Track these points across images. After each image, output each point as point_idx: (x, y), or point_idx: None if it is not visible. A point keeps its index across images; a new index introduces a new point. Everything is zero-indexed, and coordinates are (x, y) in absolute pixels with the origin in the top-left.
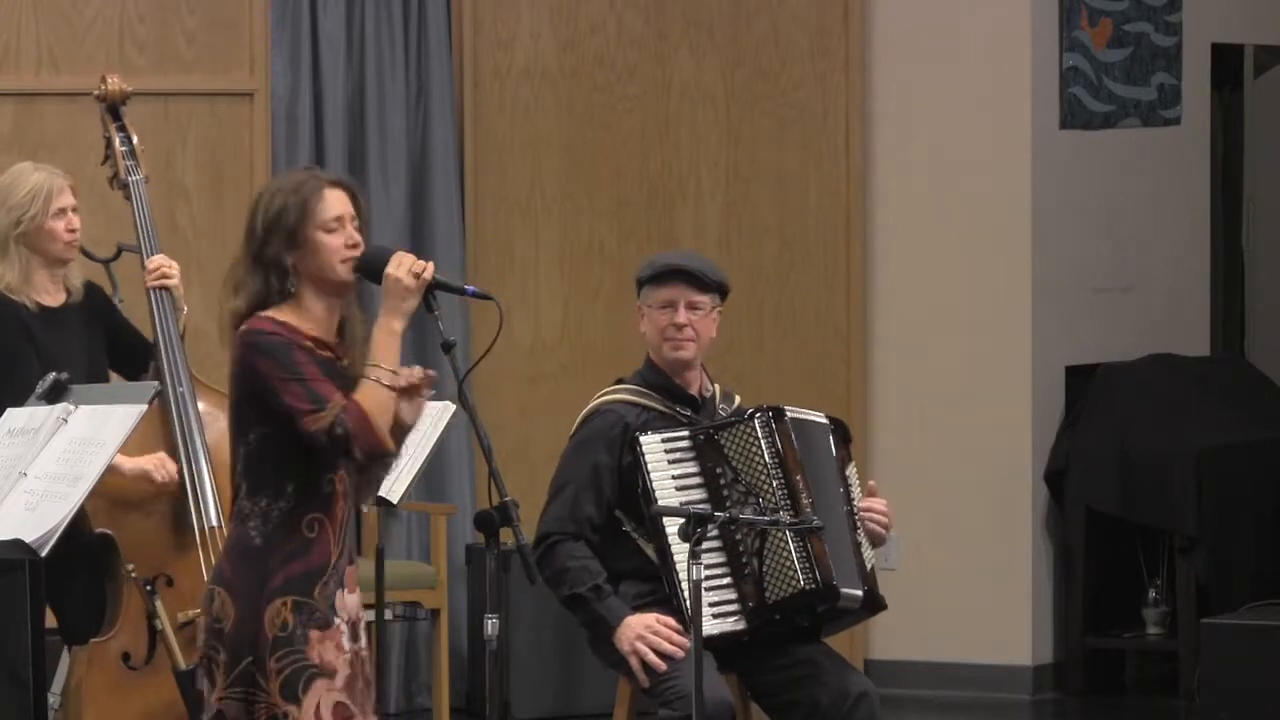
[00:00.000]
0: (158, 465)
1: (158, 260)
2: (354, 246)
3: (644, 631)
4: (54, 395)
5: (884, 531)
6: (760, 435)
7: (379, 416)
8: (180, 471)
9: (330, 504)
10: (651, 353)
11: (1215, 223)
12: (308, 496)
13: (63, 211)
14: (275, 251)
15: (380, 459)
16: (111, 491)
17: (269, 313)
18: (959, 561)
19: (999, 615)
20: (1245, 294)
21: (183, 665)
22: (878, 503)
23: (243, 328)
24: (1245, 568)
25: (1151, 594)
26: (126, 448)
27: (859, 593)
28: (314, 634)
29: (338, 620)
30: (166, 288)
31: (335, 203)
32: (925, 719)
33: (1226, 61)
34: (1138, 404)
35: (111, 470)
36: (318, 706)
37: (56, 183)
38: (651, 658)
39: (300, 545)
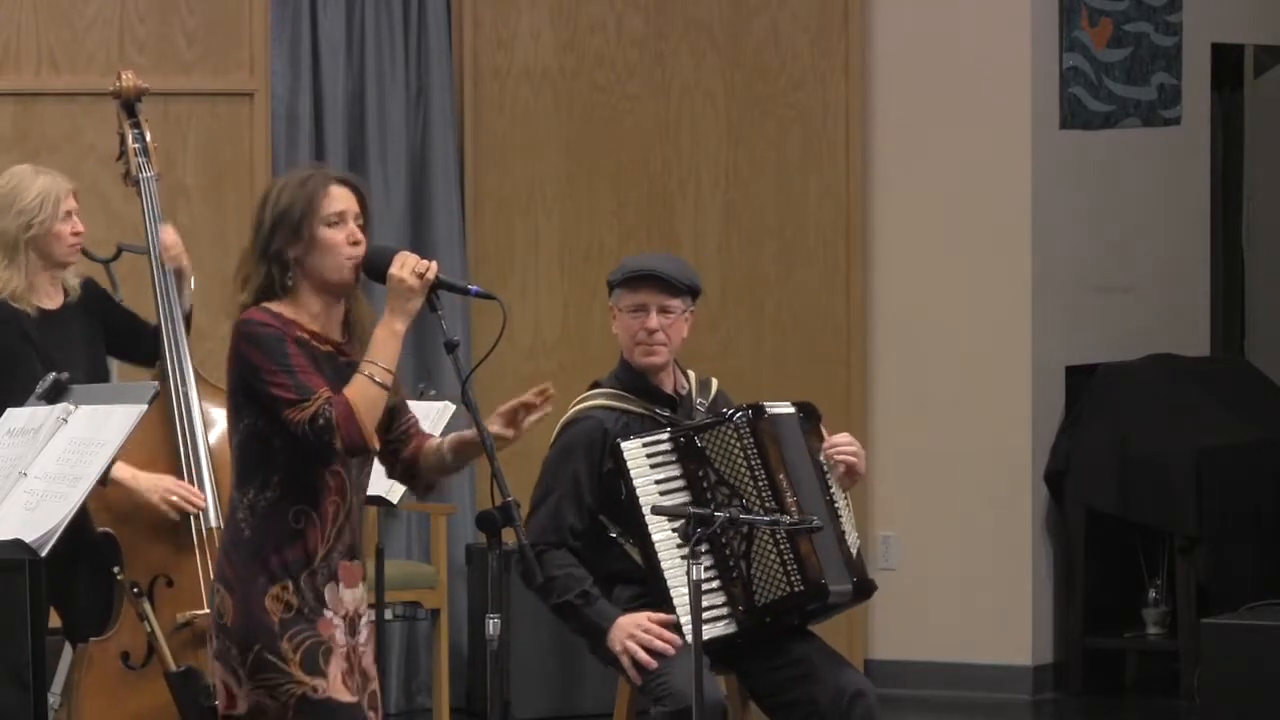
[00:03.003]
0: (164, 494)
1: (173, 237)
2: (356, 244)
3: (634, 630)
4: (54, 395)
5: (856, 460)
6: (739, 436)
7: (366, 412)
8: (190, 480)
9: (318, 498)
10: (625, 355)
11: (1215, 223)
12: (293, 489)
13: (68, 215)
14: (279, 245)
15: (362, 454)
16: (120, 505)
17: (267, 304)
18: (959, 561)
19: (999, 615)
20: (1245, 294)
21: (173, 667)
22: (841, 437)
23: (239, 318)
24: (1245, 568)
25: (1151, 594)
26: (130, 449)
27: (848, 587)
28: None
29: (328, 613)
30: (180, 267)
31: (339, 198)
32: (925, 719)
33: (1226, 61)
34: (1138, 404)
35: (123, 487)
36: (341, 676)
37: (63, 186)
38: (642, 655)
39: (287, 535)
